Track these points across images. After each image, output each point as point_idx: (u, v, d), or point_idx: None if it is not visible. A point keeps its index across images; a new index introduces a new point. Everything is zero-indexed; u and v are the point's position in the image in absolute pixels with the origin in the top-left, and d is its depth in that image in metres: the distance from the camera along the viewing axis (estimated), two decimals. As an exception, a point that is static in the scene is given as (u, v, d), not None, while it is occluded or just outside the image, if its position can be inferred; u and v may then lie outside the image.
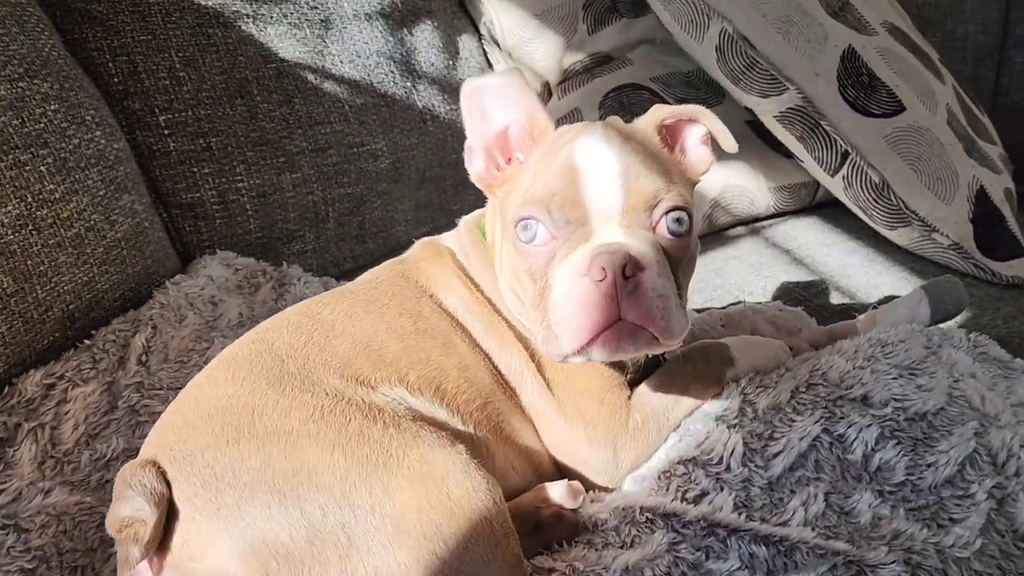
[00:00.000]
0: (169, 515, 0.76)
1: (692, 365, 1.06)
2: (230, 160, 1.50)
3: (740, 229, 1.93)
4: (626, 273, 0.81)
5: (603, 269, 0.81)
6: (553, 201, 0.88)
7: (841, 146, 1.64)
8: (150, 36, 1.44)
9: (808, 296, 1.58)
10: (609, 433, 0.97)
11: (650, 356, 1.03)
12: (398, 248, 1.15)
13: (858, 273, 1.65)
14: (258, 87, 1.55)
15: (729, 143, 0.98)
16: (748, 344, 1.13)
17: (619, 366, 1.02)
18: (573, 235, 0.88)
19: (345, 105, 1.66)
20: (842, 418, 0.97)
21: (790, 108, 1.66)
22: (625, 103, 1.92)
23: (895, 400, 1.00)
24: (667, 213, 0.89)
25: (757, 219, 1.95)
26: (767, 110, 1.70)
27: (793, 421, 0.97)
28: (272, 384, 0.85)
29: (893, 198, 1.63)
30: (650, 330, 0.83)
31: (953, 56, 2.52)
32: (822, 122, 1.64)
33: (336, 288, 1.09)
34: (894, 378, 1.03)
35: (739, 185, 1.88)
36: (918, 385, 1.02)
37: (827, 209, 1.95)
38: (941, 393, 1.01)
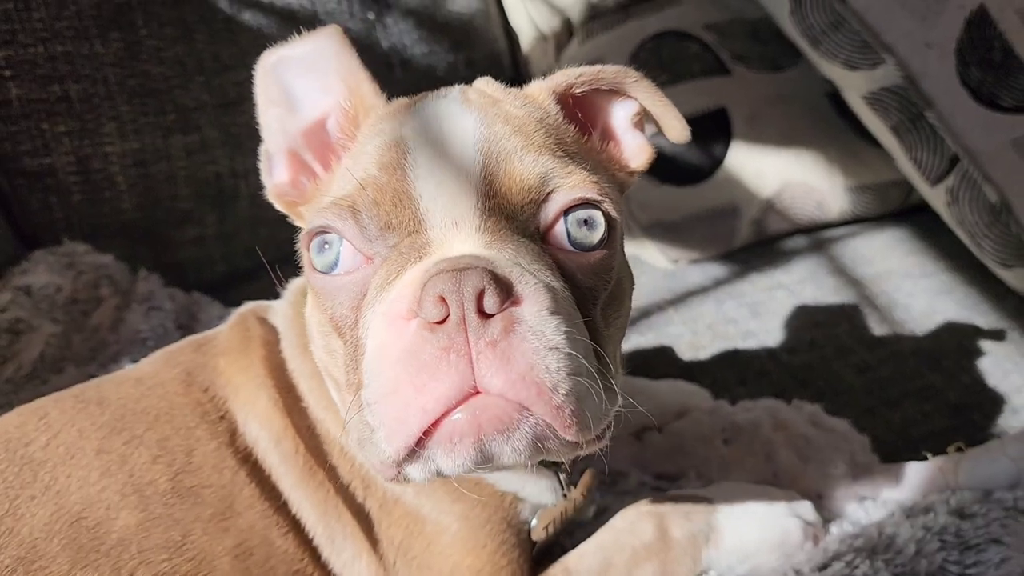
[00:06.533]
0: None
1: (644, 534, 0.67)
2: (96, 115, 1.15)
3: (799, 240, 1.48)
4: (485, 307, 0.48)
5: (442, 300, 0.48)
6: (362, 196, 0.56)
7: (950, 148, 1.24)
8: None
9: (871, 363, 1.15)
10: None
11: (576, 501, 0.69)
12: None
13: (950, 330, 1.22)
14: (144, 16, 1.17)
15: (677, 130, 0.68)
16: (744, 509, 0.72)
17: (515, 527, 0.65)
18: (396, 251, 0.55)
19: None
20: None
21: (885, 88, 1.26)
22: (664, 57, 1.44)
23: None
24: (567, 212, 0.57)
25: (826, 226, 1.49)
26: (854, 86, 1.30)
27: None
28: None
29: (1013, 227, 1.22)
30: (533, 409, 0.48)
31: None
32: (927, 112, 1.24)
33: (92, 384, 0.71)
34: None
35: (804, 183, 1.45)
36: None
37: (921, 219, 1.49)
38: None
